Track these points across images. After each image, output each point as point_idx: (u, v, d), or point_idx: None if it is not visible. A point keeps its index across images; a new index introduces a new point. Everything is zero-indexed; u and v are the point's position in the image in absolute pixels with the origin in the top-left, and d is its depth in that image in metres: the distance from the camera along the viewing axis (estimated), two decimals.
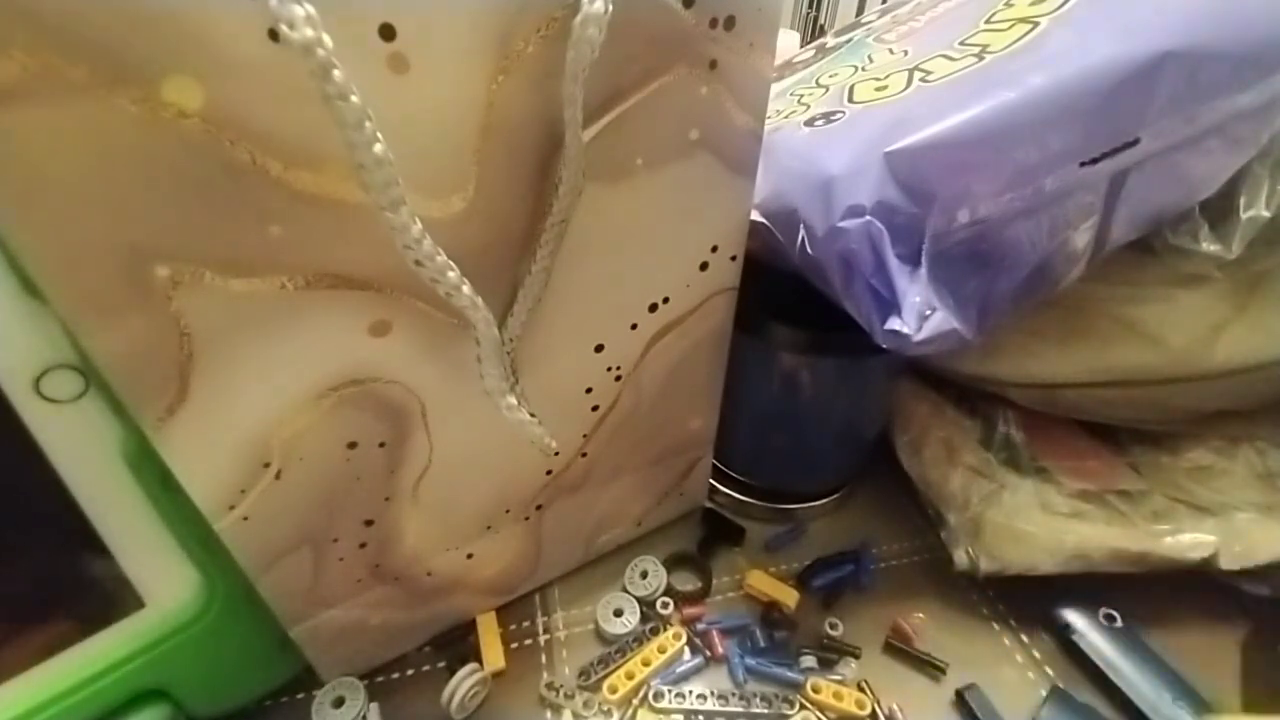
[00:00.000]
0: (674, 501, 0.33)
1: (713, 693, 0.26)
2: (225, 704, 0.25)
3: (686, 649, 0.28)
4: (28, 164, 0.13)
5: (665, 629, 0.28)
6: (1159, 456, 0.32)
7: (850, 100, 0.26)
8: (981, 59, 0.23)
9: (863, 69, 0.29)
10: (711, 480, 0.35)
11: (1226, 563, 0.27)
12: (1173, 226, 0.25)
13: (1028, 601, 0.30)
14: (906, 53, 0.28)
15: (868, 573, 0.31)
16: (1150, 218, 0.23)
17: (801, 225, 0.23)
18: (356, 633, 0.25)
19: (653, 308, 0.24)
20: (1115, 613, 0.29)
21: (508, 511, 0.26)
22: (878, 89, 0.25)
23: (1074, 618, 0.29)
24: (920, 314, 0.21)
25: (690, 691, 0.26)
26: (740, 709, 0.26)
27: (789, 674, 0.27)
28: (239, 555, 0.20)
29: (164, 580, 0.21)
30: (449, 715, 0.25)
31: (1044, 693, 0.27)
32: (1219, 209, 0.24)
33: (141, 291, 0.15)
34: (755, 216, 0.25)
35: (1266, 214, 0.23)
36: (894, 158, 0.21)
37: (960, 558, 0.30)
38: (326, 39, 0.13)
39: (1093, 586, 0.29)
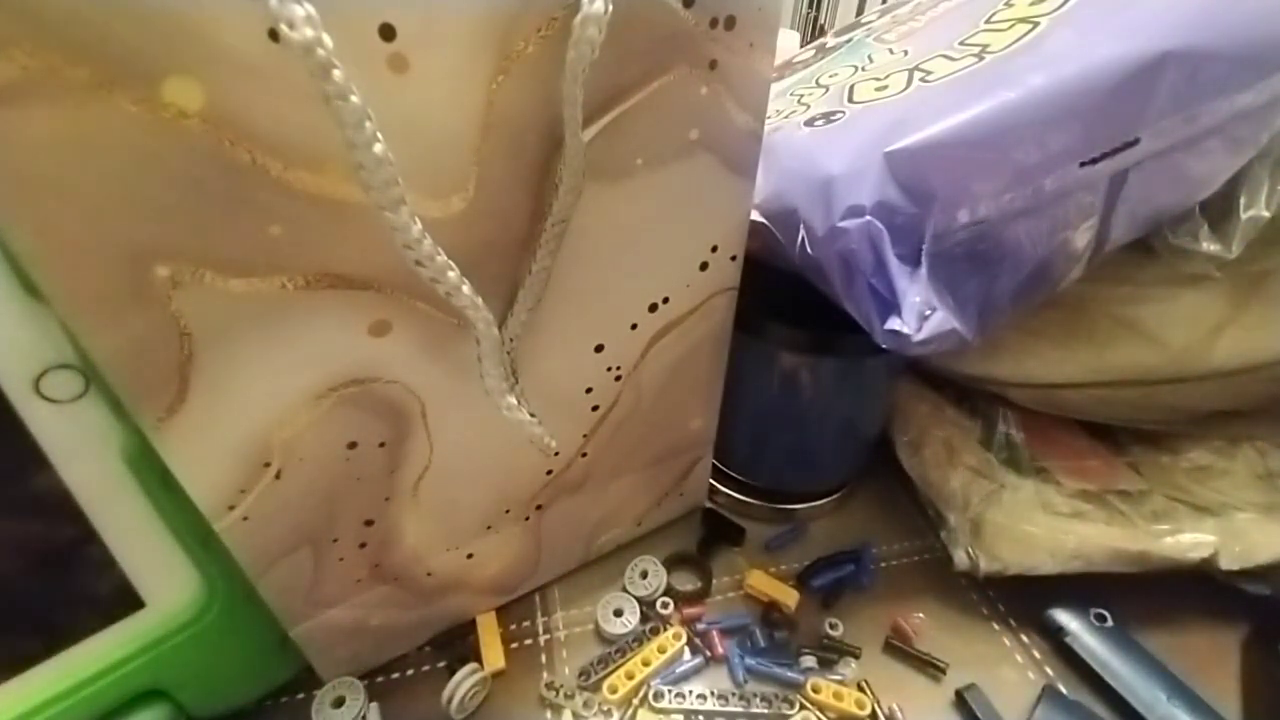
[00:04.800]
0: (674, 501, 0.33)
1: (713, 693, 0.26)
2: (225, 704, 0.25)
3: (686, 649, 0.28)
4: (29, 164, 0.13)
5: (665, 629, 0.28)
6: (1159, 456, 0.32)
7: (850, 100, 0.26)
8: (981, 59, 0.23)
9: (863, 69, 0.29)
10: (711, 480, 0.35)
11: (1226, 563, 0.27)
12: (1173, 226, 0.25)
13: (1027, 602, 0.30)
14: (906, 53, 0.28)
15: (868, 573, 0.31)
16: (1150, 218, 0.23)
17: (801, 225, 0.23)
18: (356, 633, 0.25)
19: (653, 308, 0.24)
20: (1106, 613, 0.29)
21: (508, 511, 0.26)
22: (878, 89, 0.25)
23: (1065, 619, 0.29)
24: (920, 314, 0.21)
25: (690, 691, 0.26)
26: (740, 709, 0.26)
27: (789, 674, 0.27)
28: (239, 555, 0.20)
29: (164, 580, 0.21)
30: (449, 715, 0.25)
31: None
32: (1219, 209, 0.24)
33: (141, 291, 0.15)
34: (755, 216, 0.25)
35: (1266, 214, 0.23)
36: (894, 158, 0.21)
37: (960, 558, 0.30)
38: (326, 39, 0.13)
39: (1091, 587, 0.29)
